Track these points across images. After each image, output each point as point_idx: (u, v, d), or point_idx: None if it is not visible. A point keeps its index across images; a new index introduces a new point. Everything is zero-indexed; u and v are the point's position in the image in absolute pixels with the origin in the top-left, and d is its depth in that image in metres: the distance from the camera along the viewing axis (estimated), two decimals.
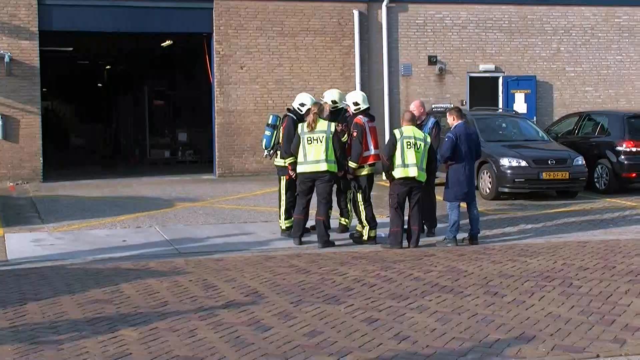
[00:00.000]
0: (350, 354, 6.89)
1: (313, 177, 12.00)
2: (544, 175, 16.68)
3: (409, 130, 11.93)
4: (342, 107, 12.85)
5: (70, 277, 9.96)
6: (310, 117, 11.96)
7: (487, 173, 17.04)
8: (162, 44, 26.23)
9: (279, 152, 12.79)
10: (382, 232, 12.71)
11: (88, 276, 9.99)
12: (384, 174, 12.46)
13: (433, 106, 21.10)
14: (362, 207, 12.31)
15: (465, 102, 22.36)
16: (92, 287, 9.31)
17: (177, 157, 26.90)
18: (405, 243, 11.92)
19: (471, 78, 22.80)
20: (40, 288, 9.33)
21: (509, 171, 16.70)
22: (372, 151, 12.35)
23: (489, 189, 17.00)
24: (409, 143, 11.78)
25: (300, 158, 11.99)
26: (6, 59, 19.12)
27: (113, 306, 8.46)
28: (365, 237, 12.34)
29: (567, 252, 11.48)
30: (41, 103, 20.54)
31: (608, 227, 14.01)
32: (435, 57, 22.43)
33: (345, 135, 12.40)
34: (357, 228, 12.51)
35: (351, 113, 12.60)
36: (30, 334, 7.46)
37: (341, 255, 11.37)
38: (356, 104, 12.50)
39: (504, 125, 19.26)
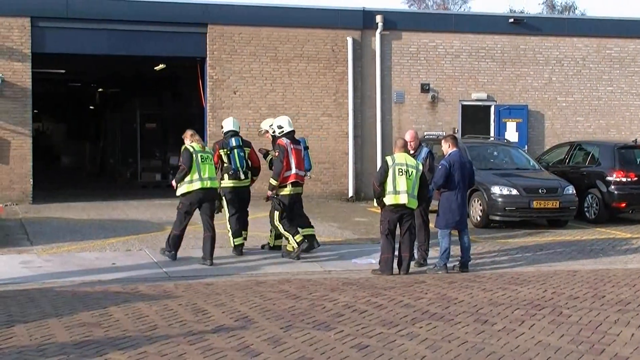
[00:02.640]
0: None
1: (211, 193, 12.66)
2: (535, 204, 16.70)
3: (401, 157, 11.96)
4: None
5: (59, 299, 9.90)
6: (196, 137, 12.82)
7: (478, 201, 17.06)
8: (155, 68, 26.25)
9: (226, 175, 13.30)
10: (372, 258, 12.71)
11: (76, 299, 9.93)
12: (375, 200, 12.47)
13: (425, 134, 21.17)
14: (277, 223, 12.91)
15: (457, 130, 22.41)
16: (81, 310, 9.25)
17: (168, 180, 26.79)
18: (395, 270, 11.92)
19: (463, 106, 22.89)
20: (28, 310, 9.26)
21: (500, 199, 16.73)
22: (293, 171, 12.92)
23: (479, 216, 17.01)
24: (400, 170, 11.80)
25: (195, 176, 12.48)
26: None
27: (101, 329, 8.39)
28: (295, 247, 12.85)
29: (557, 281, 11.47)
30: (32, 124, 20.50)
31: (598, 256, 14.03)
32: (428, 84, 22.52)
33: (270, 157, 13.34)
34: (274, 242, 13.52)
35: (276, 135, 13.28)
36: (16, 356, 7.38)
37: (332, 281, 11.35)
38: (280, 127, 13.21)
39: (495, 153, 19.33)
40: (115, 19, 20.31)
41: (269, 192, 12.91)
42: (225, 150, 13.30)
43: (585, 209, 18.13)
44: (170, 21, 20.71)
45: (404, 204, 11.83)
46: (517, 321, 8.96)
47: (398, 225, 12.00)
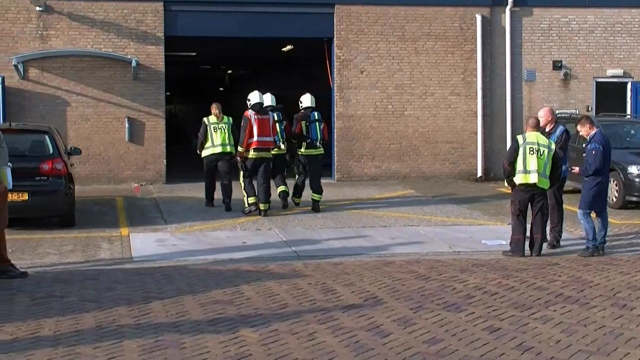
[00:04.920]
0: None
1: (223, 155, 15.73)
2: None
3: (532, 136, 11.66)
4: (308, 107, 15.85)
5: (192, 277, 10.14)
6: (216, 110, 15.86)
7: (614, 181, 16.46)
8: (282, 49, 26.50)
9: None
10: (502, 239, 12.48)
11: (209, 277, 10.15)
12: (505, 180, 12.22)
13: (557, 112, 20.59)
14: (241, 181, 14.94)
15: (591, 108, 21.72)
16: (213, 288, 9.45)
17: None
18: (527, 251, 11.65)
19: (597, 83, 22.14)
20: (164, 287, 9.53)
21: (637, 179, 16.11)
22: (255, 138, 14.80)
23: (615, 197, 16.43)
24: (531, 149, 11.51)
25: (209, 143, 15.73)
26: (133, 64, 19.67)
27: (234, 307, 8.54)
28: (246, 206, 14.93)
29: None
30: (165, 107, 21.04)
31: None
32: (560, 62, 21.88)
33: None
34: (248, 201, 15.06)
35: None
36: (153, 331, 7.61)
37: (461, 262, 11.20)
38: (248, 100, 15.11)
39: (632, 132, 18.60)
40: (244, 1, 20.58)
41: (237, 156, 15.01)
42: (305, 122, 15.59)
43: None
44: (298, 2, 20.82)
45: (535, 184, 11.55)
46: None
47: (530, 206, 11.73)
